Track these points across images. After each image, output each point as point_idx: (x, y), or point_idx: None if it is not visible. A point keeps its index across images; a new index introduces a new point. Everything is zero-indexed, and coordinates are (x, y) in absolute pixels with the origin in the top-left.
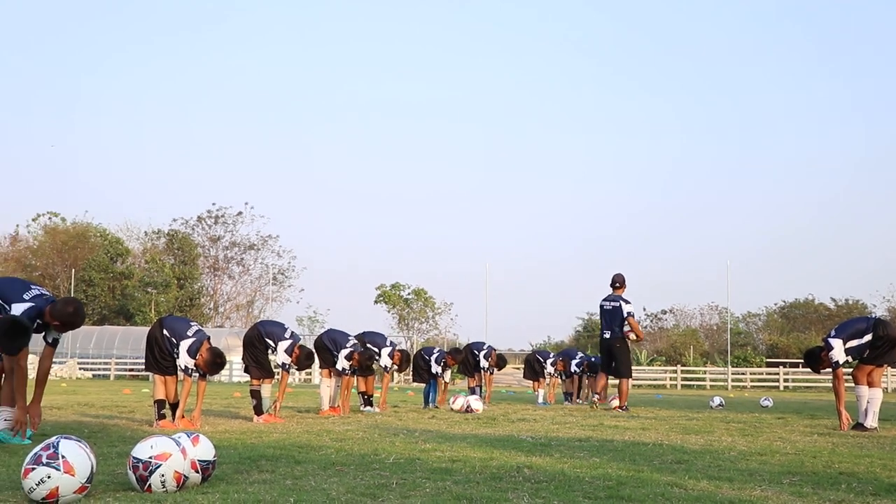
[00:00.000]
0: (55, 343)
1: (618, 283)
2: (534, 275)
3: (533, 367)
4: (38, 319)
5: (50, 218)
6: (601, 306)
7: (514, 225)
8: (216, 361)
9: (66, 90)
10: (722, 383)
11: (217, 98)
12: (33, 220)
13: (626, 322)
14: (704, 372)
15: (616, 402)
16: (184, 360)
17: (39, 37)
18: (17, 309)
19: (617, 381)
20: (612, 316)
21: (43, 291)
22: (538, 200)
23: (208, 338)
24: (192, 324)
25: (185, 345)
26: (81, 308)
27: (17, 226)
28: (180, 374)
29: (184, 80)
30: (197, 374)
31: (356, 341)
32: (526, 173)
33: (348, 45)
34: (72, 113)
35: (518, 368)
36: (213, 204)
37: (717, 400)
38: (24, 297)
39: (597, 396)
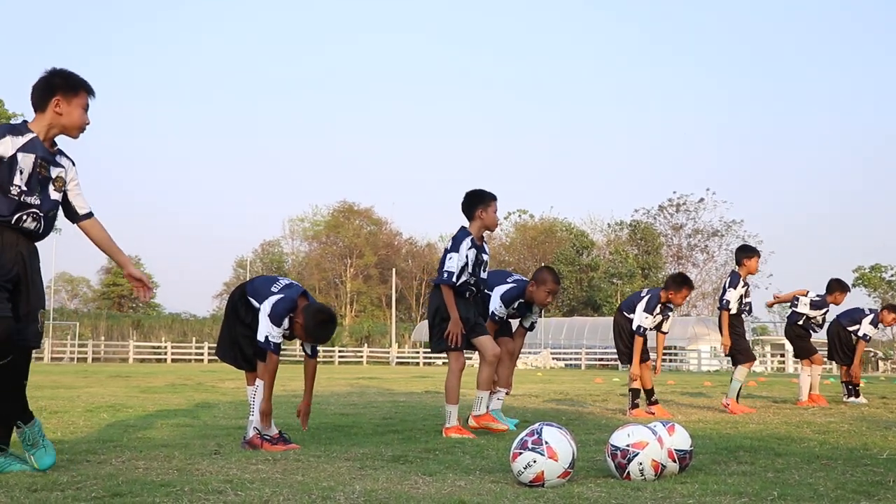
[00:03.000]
0: (531, 327)
1: None
2: None
3: None
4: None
5: (520, 215)
6: None
7: None
8: None
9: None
10: None
11: (689, 89)
12: (505, 217)
13: None
14: None
15: None
16: None
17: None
18: (500, 290)
19: None
20: None
21: (522, 277)
22: None
23: None
24: None
25: None
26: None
27: None
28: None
29: (637, 81)
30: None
31: None
32: None
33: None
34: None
35: None
36: (674, 192)
37: None
38: (507, 280)
39: None
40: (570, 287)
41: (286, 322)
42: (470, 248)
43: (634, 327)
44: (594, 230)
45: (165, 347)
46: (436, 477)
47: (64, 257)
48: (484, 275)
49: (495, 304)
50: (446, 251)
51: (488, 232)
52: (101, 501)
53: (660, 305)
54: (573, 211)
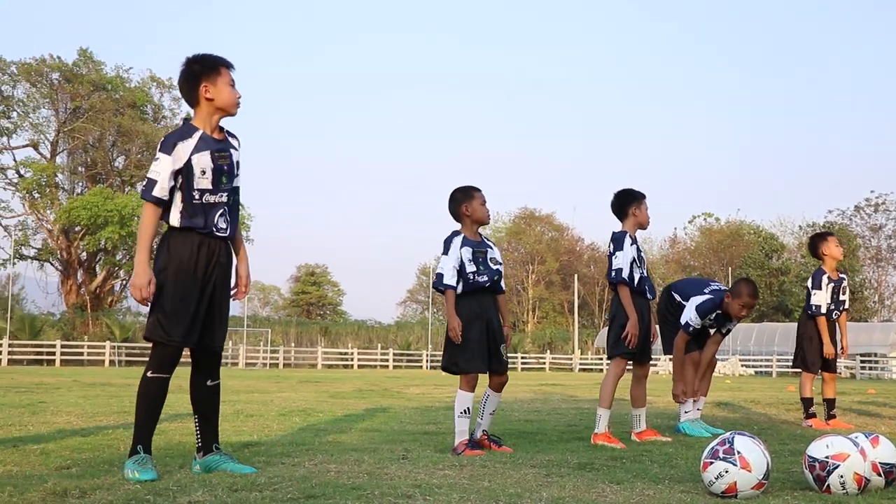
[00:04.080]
0: (727, 332)
1: None
2: None
3: None
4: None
5: (705, 219)
6: None
7: None
8: None
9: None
10: None
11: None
12: (689, 221)
13: None
14: None
15: None
16: None
17: None
18: (695, 301)
19: None
20: None
21: (721, 286)
22: None
23: None
24: None
25: None
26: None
27: (675, 228)
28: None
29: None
30: None
31: None
32: None
33: None
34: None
35: None
36: (872, 191)
37: None
38: (704, 290)
39: None
40: (760, 292)
41: (456, 246)
42: (632, 245)
43: (814, 311)
44: (784, 233)
45: (352, 354)
46: (623, 485)
47: (256, 267)
48: (644, 271)
49: (689, 315)
50: (610, 254)
51: (641, 231)
52: (296, 503)
53: (825, 277)
54: (761, 213)
